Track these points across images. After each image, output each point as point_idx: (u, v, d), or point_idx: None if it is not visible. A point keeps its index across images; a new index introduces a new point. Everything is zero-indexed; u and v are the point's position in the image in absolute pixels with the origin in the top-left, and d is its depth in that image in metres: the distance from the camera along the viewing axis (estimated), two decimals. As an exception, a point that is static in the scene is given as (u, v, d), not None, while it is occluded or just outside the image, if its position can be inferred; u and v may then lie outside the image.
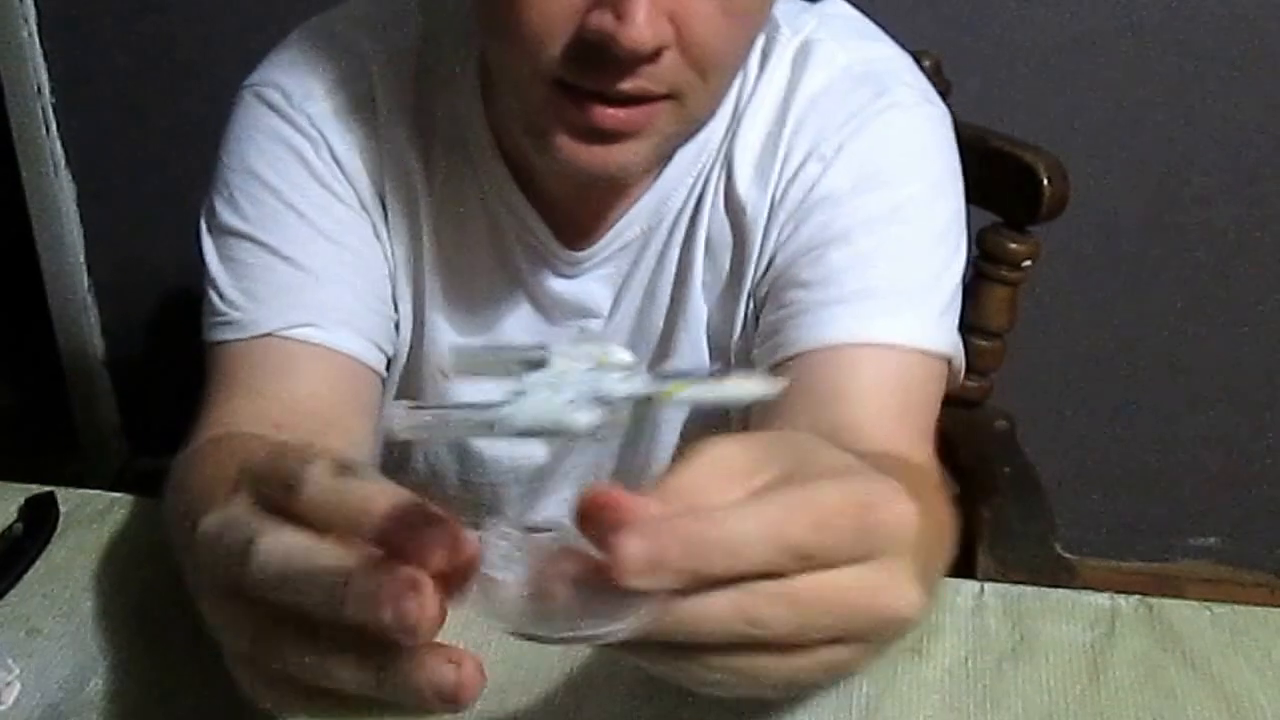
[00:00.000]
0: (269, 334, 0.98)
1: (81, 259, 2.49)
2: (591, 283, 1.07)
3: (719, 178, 1.02)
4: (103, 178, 2.41)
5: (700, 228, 1.03)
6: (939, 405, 1.00)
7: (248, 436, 0.92)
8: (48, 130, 2.36)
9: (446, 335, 1.08)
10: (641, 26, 0.78)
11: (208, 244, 1.02)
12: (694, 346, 1.07)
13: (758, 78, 1.01)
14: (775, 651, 0.50)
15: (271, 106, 1.01)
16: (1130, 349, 2.32)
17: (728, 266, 1.04)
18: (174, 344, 2.44)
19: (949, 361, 1.01)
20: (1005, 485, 1.39)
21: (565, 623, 0.49)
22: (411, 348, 1.09)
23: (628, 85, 0.83)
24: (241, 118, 1.03)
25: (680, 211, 1.03)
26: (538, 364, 0.51)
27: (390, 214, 1.04)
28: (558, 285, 1.06)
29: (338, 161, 1.01)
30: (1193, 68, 2.05)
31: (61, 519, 1.04)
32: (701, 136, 0.99)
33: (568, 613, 0.49)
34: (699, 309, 1.06)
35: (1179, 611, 0.98)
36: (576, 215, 1.03)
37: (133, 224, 2.43)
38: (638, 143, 0.87)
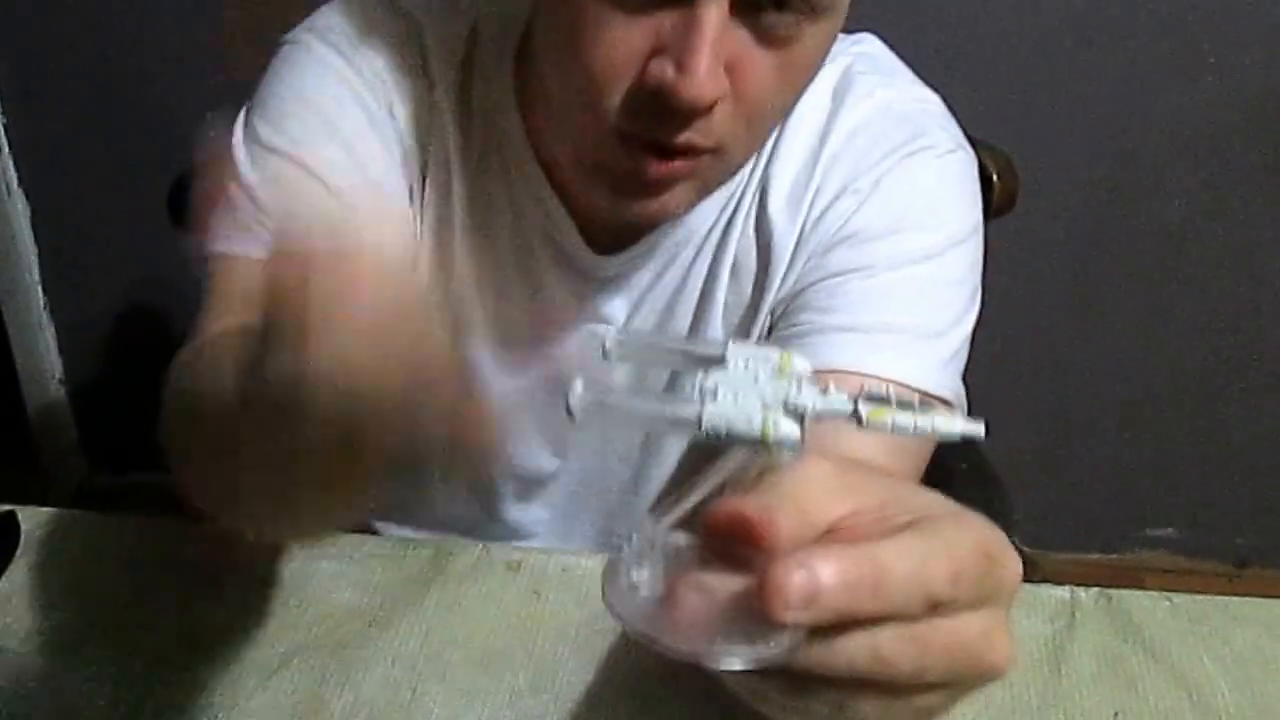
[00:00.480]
0: None
1: (36, 277, 2.47)
2: (610, 291, 1.05)
3: (752, 200, 1.02)
4: (56, 196, 2.39)
5: (728, 248, 1.03)
6: (930, 453, 0.99)
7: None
8: (-1, 150, 2.35)
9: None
10: (703, 81, 0.77)
11: (242, 156, 0.98)
12: None
13: None
14: (883, 693, 0.50)
15: (336, 50, 0.99)
16: (1084, 342, 2.34)
17: (750, 291, 1.04)
18: (132, 361, 2.43)
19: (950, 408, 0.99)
20: (963, 480, 1.39)
21: (690, 636, 0.47)
22: None
23: (680, 138, 0.82)
24: (298, 57, 1.00)
25: (710, 230, 1.03)
26: (713, 363, 0.50)
27: (427, 187, 1.02)
28: (577, 289, 1.05)
29: (393, 117, 0.99)
30: (1140, 62, 2.07)
31: (22, 537, 1.03)
32: None
33: (696, 626, 0.47)
34: (717, 331, 1.06)
35: (1138, 602, 0.98)
36: (606, 222, 1.01)
37: (87, 242, 2.41)
38: (680, 188, 0.87)
